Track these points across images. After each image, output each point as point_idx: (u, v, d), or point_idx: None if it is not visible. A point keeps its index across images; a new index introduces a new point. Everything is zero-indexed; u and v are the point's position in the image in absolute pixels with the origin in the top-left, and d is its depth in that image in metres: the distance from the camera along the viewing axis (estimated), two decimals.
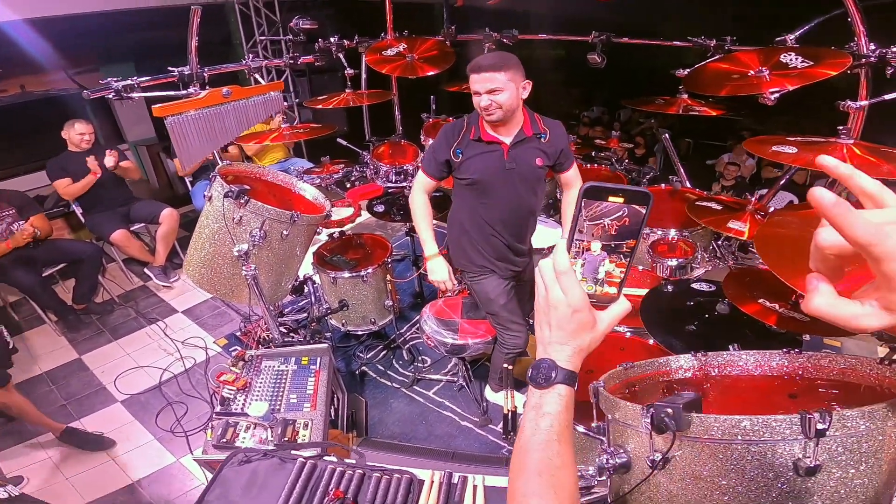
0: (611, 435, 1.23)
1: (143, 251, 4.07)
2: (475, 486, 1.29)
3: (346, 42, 3.49)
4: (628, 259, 0.69)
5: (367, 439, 2.39)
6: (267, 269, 2.30)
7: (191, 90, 2.76)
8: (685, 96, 2.76)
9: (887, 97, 1.90)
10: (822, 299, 0.45)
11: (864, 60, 2.09)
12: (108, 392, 3.10)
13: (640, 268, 2.46)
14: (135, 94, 2.70)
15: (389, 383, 2.96)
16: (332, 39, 3.44)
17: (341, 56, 3.48)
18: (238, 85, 2.79)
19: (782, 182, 2.70)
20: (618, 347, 2.18)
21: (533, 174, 2.15)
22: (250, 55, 3.30)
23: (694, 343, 1.98)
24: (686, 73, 2.65)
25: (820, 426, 0.90)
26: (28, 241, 3.42)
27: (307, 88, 5.35)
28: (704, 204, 2.41)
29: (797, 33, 2.39)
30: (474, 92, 2.01)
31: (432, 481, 1.31)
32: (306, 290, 3.10)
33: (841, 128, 1.89)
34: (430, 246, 2.29)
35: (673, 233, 2.56)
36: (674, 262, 2.35)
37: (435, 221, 2.34)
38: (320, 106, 3.43)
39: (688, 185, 2.96)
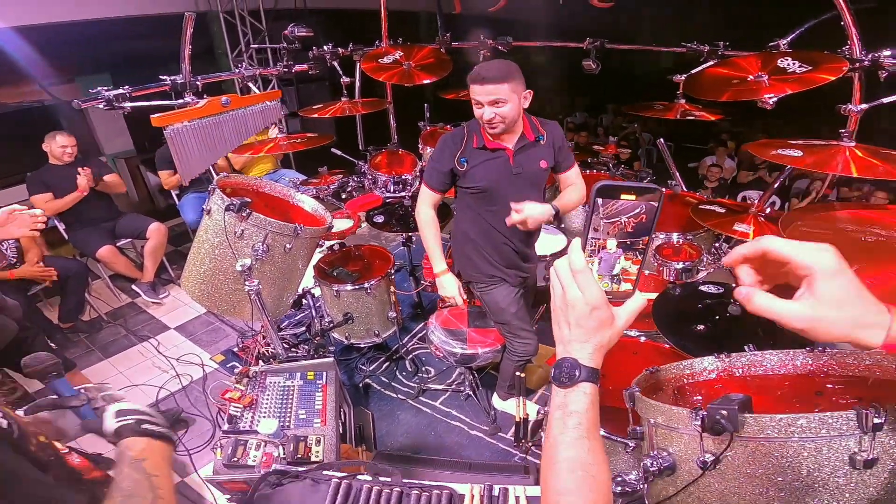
0: (654, 439, 1.22)
1: (130, 267, 3.94)
2: (517, 498, 1.27)
3: (340, 50, 3.46)
4: (643, 255, 0.71)
5: (380, 452, 2.34)
6: (269, 284, 2.25)
7: (187, 99, 2.69)
8: (683, 101, 2.81)
9: (885, 101, 1.96)
10: (761, 299, 0.59)
11: (857, 64, 2.15)
12: None
13: (647, 272, 2.48)
14: (127, 104, 2.62)
15: (395, 395, 2.91)
16: (325, 48, 3.41)
17: (336, 64, 3.44)
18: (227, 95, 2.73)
19: (776, 185, 2.77)
20: (631, 352, 2.19)
21: (539, 177, 2.16)
22: (243, 63, 3.24)
23: (708, 345, 2.00)
24: (683, 78, 2.70)
25: (876, 420, 0.92)
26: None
27: (295, 98, 5.29)
28: (707, 207, 2.45)
29: (789, 38, 2.46)
30: (476, 103, 1.99)
31: (472, 495, 1.28)
32: (304, 303, 3.05)
33: (842, 131, 1.94)
34: (438, 262, 2.26)
35: (676, 236, 2.59)
36: (680, 266, 2.38)
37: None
38: (316, 115, 3.40)
39: (684, 189, 3.02)
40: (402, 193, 3.20)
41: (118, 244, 3.88)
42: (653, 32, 3.33)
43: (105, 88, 2.61)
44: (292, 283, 2.40)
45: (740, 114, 4.41)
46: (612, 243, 0.71)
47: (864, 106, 2.05)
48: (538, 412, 2.45)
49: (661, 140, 3.06)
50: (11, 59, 3.97)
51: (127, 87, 2.63)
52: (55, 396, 1.08)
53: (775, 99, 2.21)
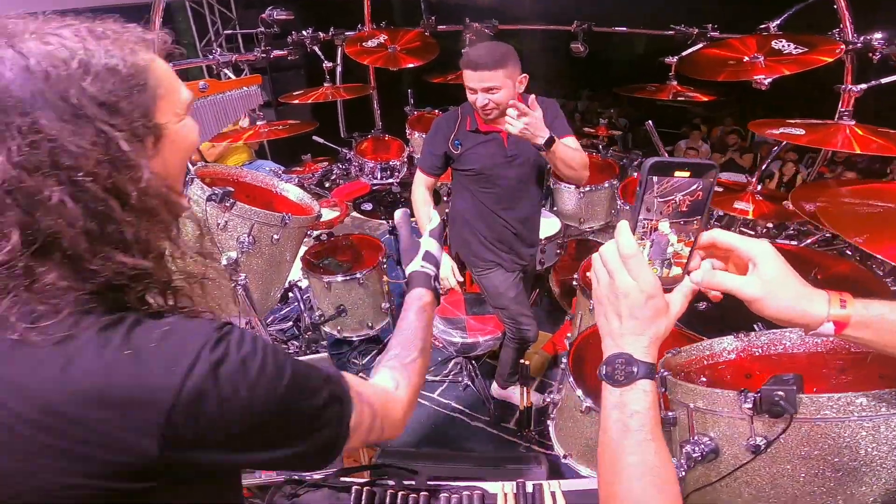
0: (693, 424, 1.19)
1: None
2: (553, 493, 1.22)
3: (321, 35, 3.32)
4: (695, 237, 0.66)
5: (382, 449, 2.26)
6: (256, 278, 2.14)
7: None
8: (675, 83, 2.81)
9: (884, 80, 2.00)
10: (719, 275, 0.66)
11: (850, 46, 2.18)
12: None
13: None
14: None
15: None
16: (305, 32, 3.26)
17: (316, 49, 3.30)
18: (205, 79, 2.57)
19: (765, 166, 2.81)
20: None
21: (534, 158, 2.11)
22: (217, 50, 3.07)
23: (716, 323, 1.99)
24: (675, 60, 2.70)
25: None
26: None
27: (269, 87, 5.08)
28: None
29: (779, 21, 2.48)
30: (469, 88, 1.92)
31: (504, 493, 1.22)
32: (290, 297, 2.93)
33: (843, 110, 1.97)
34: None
35: None
36: None
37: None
38: (297, 101, 3.25)
39: None
40: (390, 180, 3.11)
41: None
42: (639, 16, 3.31)
43: None
44: (280, 276, 2.29)
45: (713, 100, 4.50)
46: (664, 224, 0.65)
47: (863, 86, 2.08)
48: (543, 399, 2.42)
49: (650, 122, 3.05)
50: None
51: None
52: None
53: (769, 80, 2.23)
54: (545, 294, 3.33)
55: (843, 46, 2.15)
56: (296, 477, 1.34)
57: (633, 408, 0.63)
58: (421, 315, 0.95)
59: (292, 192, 2.39)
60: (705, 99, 2.78)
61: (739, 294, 0.64)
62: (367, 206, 3.22)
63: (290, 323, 3.14)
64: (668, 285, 0.68)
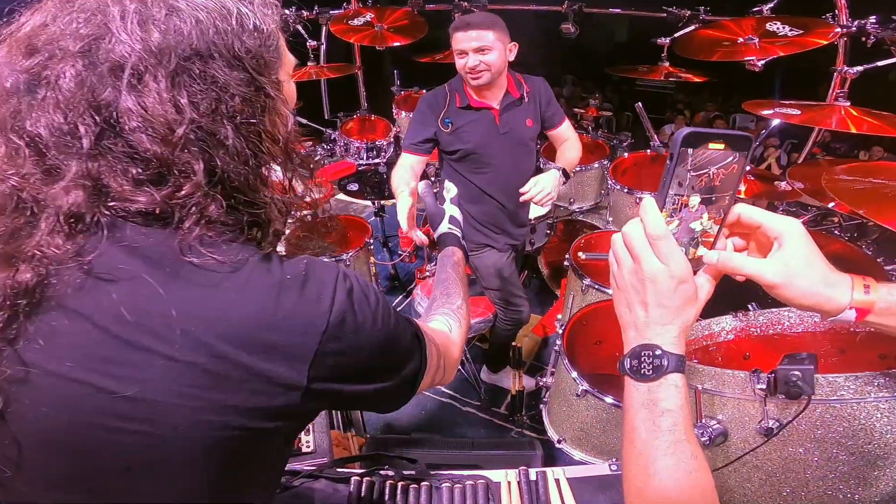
0: (700, 405, 1.16)
1: None
2: (557, 480, 1.18)
3: (305, 13, 3.20)
4: (725, 214, 0.62)
5: (372, 437, 2.22)
6: None
7: None
8: (667, 64, 2.79)
9: (880, 63, 2.01)
10: (735, 259, 0.61)
11: (844, 30, 2.18)
12: None
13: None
14: None
15: None
16: (288, 11, 3.13)
17: (300, 28, 3.17)
18: None
19: (757, 143, 2.83)
20: None
21: (527, 137, 2.10)
22: None
23: (711, 305, 1.99)
24: (668, 41, 2.68)
25: None
26: None
27: None
28: None
29: (772, 4, 2.47)
30: (459, 52, 1.89)
31: (509, 482, 1.18)
32: None
33: (839, 91, 1.97)
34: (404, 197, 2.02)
35: None
36: None
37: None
38: None
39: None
40: (377, 160, 3.03)
41: None
42: None
43: None
44: None
45: (694, 85, 4.54)
46: (695, 199, 0.59)
47: (859, 68, 2.09)
48: (536, 383, 2.40)
49: (640, 104, 3.03)
50: None
51: None
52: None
53: (763, 62, 2.23)
54: (534, 276, 3.31)
55: (837, 30, 2.14)
56: (295, 468, 1.29)
57: (664, 406, 0.58)
58: (457, 268, 1.06)
59: (275, 171, 2.29)
60: (698, 80, 2.77)
61: (760, 279, 0.59)
62: (353, 187, 3.14)
63: None
64: (696, 267, 0.62)
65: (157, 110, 0.50)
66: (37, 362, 0.47)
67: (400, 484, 1.17)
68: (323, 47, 3.42)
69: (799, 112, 1.92)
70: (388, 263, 3.23)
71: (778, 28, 2.23)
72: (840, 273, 0.59)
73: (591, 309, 1.91)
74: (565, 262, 2.22)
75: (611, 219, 2.86)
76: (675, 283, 0.58)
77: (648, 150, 2.96)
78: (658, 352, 0.58)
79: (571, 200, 3.00)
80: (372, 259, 2.81)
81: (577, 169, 2.91)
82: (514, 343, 2.35)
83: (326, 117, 3.67)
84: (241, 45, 0.55)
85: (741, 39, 2.30)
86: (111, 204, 0.51)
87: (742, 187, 2.22)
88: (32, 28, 0.52)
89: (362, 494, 1.15)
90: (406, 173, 1.95)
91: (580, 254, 2.33)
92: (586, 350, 1.75)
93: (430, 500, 1.14)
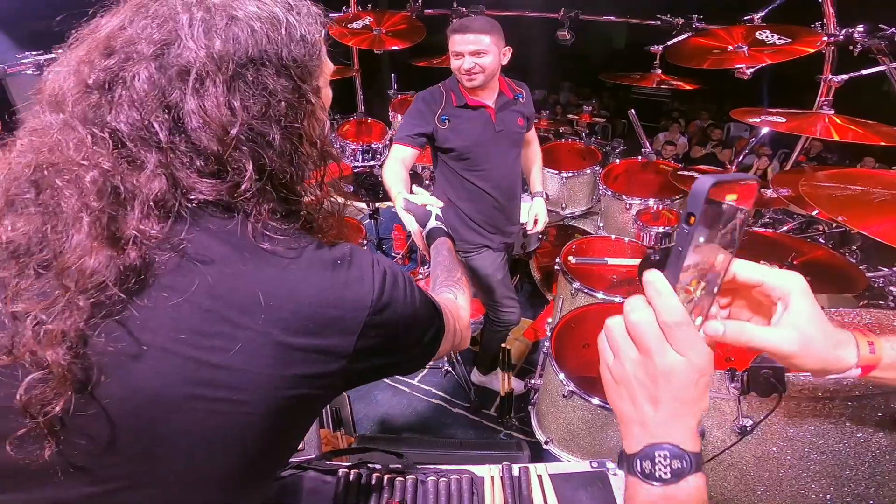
0: None
1: None
2: (539, 476, 1.20)
3: None
4: (723, 275, 0.51)
5: (362, 436, 2.24)
6: None
7: None
8: (659, 71, 2.83)
9: (865, 72, 2.04)
10: (741, 330, 0.52)
11: (831, 38, 2.22)
12: None
13: (627, 239, 2.49)
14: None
15: None
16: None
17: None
18: None
19: (741, 157, 2.87)
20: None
21: (518, 136, 2.16)
22: None
23: None
24: (661, 49, 2.71)
25: None
26: None
27: None
28: (686, 173, 2.50)
29: (763, 12, 2.52)
30: (455, 54, 1.95)
31: (492, 477, 1.20)
32: None
33: (823, 99, 2.00)
34: (400, 199, 2.06)
35: (652, 202, 2.63)
36: (661, 230, 2.40)
37: None
38: None
39: (658, 157, 3.08)
40: (372, 163, 3.05)
41: None
42: (624, 7, 3.31)
43: (34, 52, 2.28)
44: None
45: (687, 93, 4.58)
46: (721, 257, 0.50)
47: (844, 76, 2.12)
48: (525, 386, 2.41)
49: (633, 111, 3.07)
50: None
51: (60, 49, 2.29)
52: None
53: (752, 70, 2.26)
54: (526, 280, 3.33)
55: (825, 38, 2.18)
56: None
57: None
58: (451, 252, 1.22)
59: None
60: (689, 87, 2.81)
61: (776, 351, 0.52)
62: (348, 189, 3.17)
63: None
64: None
65: (214, 112, 0.55)
66: (143, 338, 0.52)
67: (386, 476, 1.19)
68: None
69: (784, 120, 1.95)
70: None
71: (767, 36, 2.26)
72: (842, 330, 0.56)
73: (580, 312, 1.93)
74: (556, 266, 2.24)
75: (602, 224, 2.89)
76: (696, 376, 0.48)
77: (639, 157, 3.00)
78: (678, 453, 0.49)
79: (564, 206, 3.03)
80: None
81: (570, 174, 2.95)
82: (504, 346, 2.36)
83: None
84: (288, 53, 0.60)
85: (731, 48, 2.33)
86: (189, 195, 0.56)
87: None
88: (111, 30, 0.57)
89: (349, 486, 1.16)
90: (398, 167, 1.91)
91: (571, 258, 2.36)
92: (575, 353, 1.77)
93: (416, 492, 1.16)
